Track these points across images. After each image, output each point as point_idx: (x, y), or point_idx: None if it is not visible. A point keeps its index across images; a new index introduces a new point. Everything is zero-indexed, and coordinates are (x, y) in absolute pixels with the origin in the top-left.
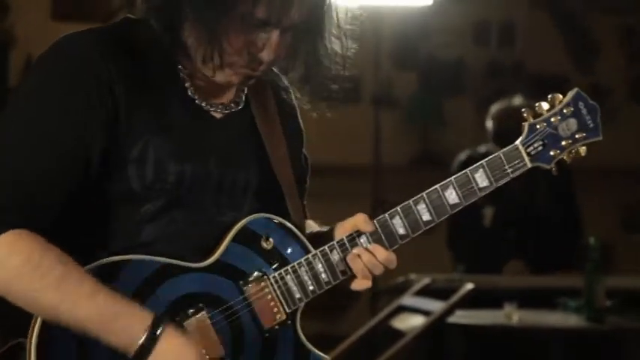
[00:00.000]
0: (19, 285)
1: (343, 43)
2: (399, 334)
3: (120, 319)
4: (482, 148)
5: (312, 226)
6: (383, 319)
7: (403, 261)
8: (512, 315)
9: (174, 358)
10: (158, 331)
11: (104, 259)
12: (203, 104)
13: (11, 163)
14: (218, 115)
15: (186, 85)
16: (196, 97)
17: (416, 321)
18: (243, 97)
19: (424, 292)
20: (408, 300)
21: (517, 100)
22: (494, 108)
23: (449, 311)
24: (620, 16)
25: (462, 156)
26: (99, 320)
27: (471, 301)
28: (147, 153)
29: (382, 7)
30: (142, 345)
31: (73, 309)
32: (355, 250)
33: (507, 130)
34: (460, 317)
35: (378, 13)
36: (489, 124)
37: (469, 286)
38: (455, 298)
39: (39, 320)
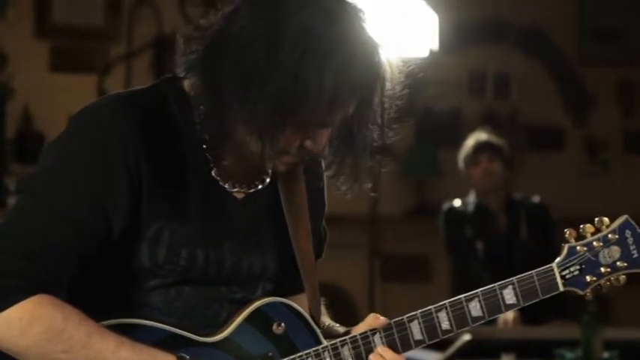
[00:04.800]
0: (42, 350)
1: (384, 132)
2: None
3: None
4: (457, 202)
5: (323, 315)
6: None
7: (399, 312)
8: None
9: None
10: None
11: (114, 320)
12: (226, 185)
13: (31, 230)
14: (240, 196)
15: (211, 165)
16: (219, 178)
17: None
18: (270, 172)
19: None
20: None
21: (482, 136)
22: (461, 151)
23: None
24: (615, 69)
25: (446, 205)
26: None
27: (468, 352)
28: (162, 235)
29: None
30: None
31: None
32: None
33: (465, 151)
34: None
35: None
36: (460, 162)
37: (467, 337)
38: (452, 349)
39: None
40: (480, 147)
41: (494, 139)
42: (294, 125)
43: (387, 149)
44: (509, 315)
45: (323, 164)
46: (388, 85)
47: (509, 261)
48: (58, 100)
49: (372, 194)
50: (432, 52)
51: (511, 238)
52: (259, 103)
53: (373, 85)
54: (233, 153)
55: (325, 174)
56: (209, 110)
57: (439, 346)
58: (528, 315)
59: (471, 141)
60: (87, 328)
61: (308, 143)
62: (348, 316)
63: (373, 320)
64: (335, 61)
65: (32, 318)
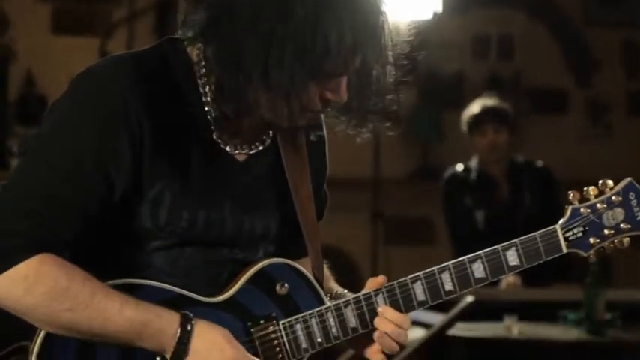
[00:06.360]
0: (47, 308)
1: (395, 73)
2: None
3: (150, 325)
4: (459, 166)
5: (329, 279)
6: None
7: (402, 273)
8: (512, 327)
9: (211, 347)
10: (189, 327)
11: (119, 280)
12: (227, 148)
13: (34, 190)
14: (241, 158)
15: (212, 127)
16: (220, 141)
17: (416, 333)
18: (270, 133)
19: None
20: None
21: (489, 103)
22: (465, 114)
23: (449, 324)
24: (619, 30)
25: (447, 174)
26: (130, 330)
27: (471, 314)
28: (163, 197)
29: None
30: (178, 343)
31: (104, 324)
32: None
33: (470, 118)
34: (460, 329)
35: None
36: (463, 125)
37: (469, 298)
38: (455, 310)
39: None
40: (486, 116)
41: (501, 106)
42: (317, 80)
43: (398, 89)
44: (510, 277)
45: (323, 117)
46: (392, 25)
47: (510, 230)
48: (61, 62)
49: (394, 127)
50: (435, 15)
51: (514, 206)
52: (283, 67)
53: (383, 25)
54: (241, 116)
55: (333, 116)
56: (229, 81)
57: (442, 308)
58: (531, 277)
59: (476, 108)
60: (91, 287)
61: (329, 95)
62: (351, 279)
63: (372, 284)
64: (348, 9)
65: (37, 277)
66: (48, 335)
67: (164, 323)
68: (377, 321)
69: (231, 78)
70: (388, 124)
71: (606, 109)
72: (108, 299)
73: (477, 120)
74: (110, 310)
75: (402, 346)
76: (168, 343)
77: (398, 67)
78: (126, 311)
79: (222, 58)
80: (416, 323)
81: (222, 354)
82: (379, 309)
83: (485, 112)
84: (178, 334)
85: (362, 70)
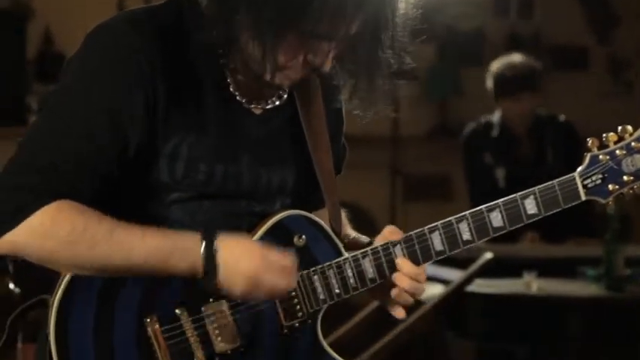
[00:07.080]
0: (68, 252)
1: (400, 54)
2: (418, 302)
3: (175, 250)
4: (482, 119)
5: (346, 226)
6: None
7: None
8: (531, 284)
9: (240, 258)
10: (213, 239)
11: None
12: (244, 100)
13: (48, 146)
14: (258, 111)
15: (228, 80)
16: (237, 93)
17: (435, 290)
18: (287, 88)
19: (443, 261)
20: (426, 269)
21: (516, 58)
22: (493, 66)
23: (468, 280)
24: None
25: (468, 129)
26: (156, 258)
27: (490, 270)
28: (180, 150)
29: None
30: (206, 259)
31: (129, 255)
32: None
33: (504, 82)
34: (479, 286)
35: None
36: (489, 82)
37: (488, 255)
38: (474, 267)
39: (65, 279)
40: (524, 83)
41: (536, 69)
42: (296, 36)
43: (403, 72)
44: (529, 234)
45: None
46: (401, 5)
47: (535, 183)
48: (78, 20)
49: (393, 114)
50: None
51: (536, 164)
52: (265, 8)
53: (381, 3)
54: (244, 67)
55: (340, 97)
56: (215, 14)
57: (460, 264)
58: (550, 232)
59: (512, 69)
60: (109, 224)
61: (310, 57)
62: (369, 235)
63: (390, 234)
64: None
65: (53, 222)
66: (68, 288)
67: (188, 243)
68: (395, 276)
69: (219, 9)
70: (389, 101)
71: (627, 66)
72: (127, 232)
73: (513, 87)
74: (132, 242)
75: (416, 299)
76: (197, 261)
77: (402, 50)
78: (148, 239)
79: (216, 4)
80: (435, 280)
81: (250, 261)
82: (397, 260)
83: (524, 78)
84: (203, 249)
85: (356, 48)
